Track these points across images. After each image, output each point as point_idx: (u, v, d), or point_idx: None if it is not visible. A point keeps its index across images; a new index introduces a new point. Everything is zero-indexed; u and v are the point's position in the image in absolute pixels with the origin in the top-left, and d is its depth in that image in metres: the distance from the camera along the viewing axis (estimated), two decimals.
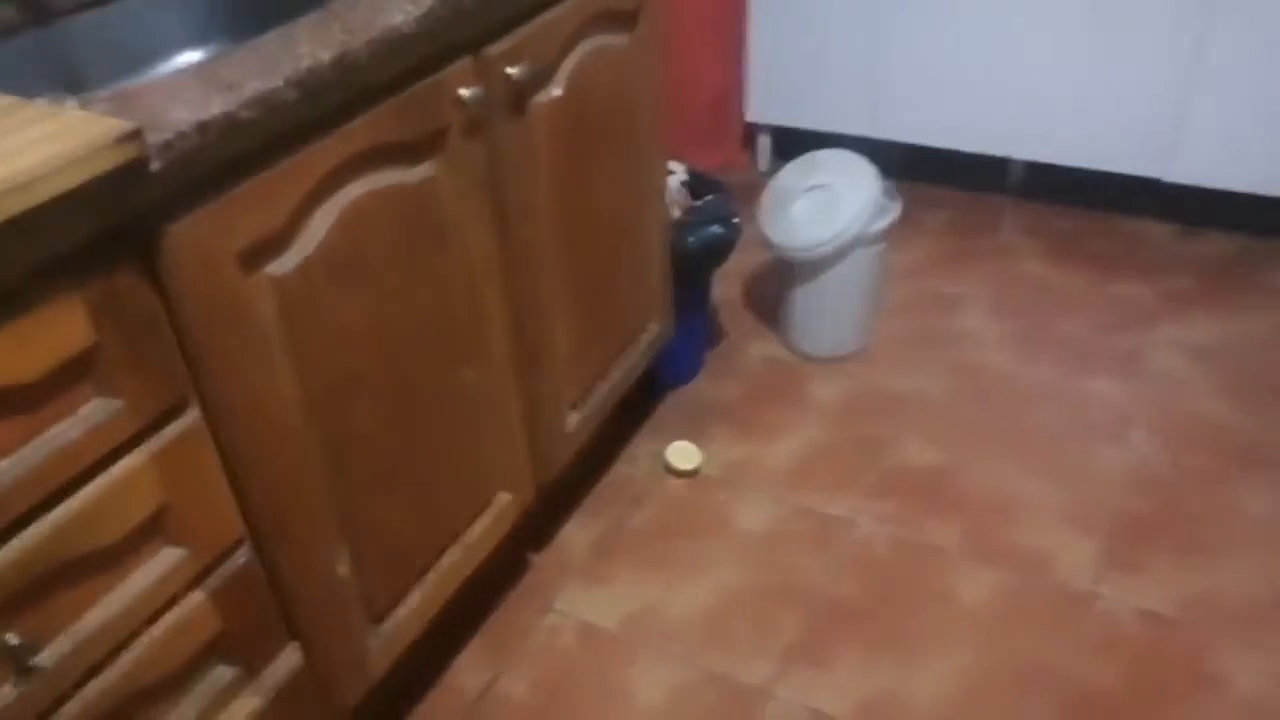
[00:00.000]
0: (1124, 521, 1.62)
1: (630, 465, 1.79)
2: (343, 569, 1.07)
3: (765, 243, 1.91)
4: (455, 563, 1.28)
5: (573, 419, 1.50)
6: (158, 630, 0.87)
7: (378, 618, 1.17)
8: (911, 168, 2.49)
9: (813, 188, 1.84)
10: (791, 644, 1.46)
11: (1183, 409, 1.84)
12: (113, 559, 0.83)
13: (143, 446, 0.82)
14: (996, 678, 1.40)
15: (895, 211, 1.87)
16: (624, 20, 1.38)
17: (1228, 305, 2.10)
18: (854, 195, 1.80)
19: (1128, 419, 1.83)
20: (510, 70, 1.15)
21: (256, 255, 0.89)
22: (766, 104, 2.57)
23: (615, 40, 1.36)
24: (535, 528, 1.64)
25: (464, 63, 1.10)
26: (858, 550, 1.60)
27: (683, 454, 1.76)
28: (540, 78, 1.22)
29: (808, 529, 1.65)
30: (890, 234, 1.89)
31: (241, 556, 0.94)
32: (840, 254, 1.82)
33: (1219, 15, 2.00)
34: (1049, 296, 2.17)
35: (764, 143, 2.67)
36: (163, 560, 0.86)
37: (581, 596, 1.55)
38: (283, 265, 0.92)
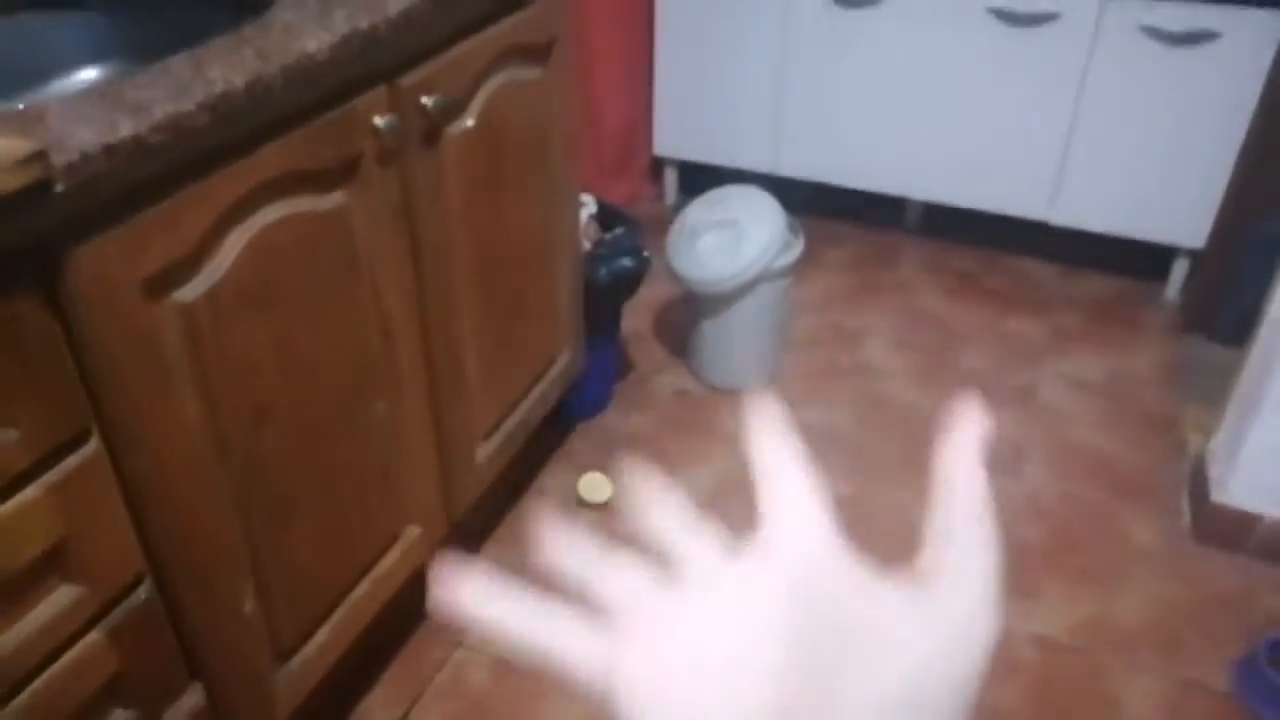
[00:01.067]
0: (1019, 550, 1.69)
1: (540, 497, 1.78)
2: (248, 605, 1.03)
3: (673, 276, 1.93)
4: (364, 597, 1.25)
5: (484, 451, 1.48)
6: (54, 672, 0.83)
7: (284, 656, 1.13)
8: (814, 204, 2.57)
9: (719, 223, 1.88)
10: None
11: (1070, 441, 1.93)
12: (5, 596, 0.78)
13: (40, 479, 0.79)
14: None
15: (799, 247, 1.92)
16: (536, 54, 1.39)
17: (1109, 342, 2.22)
18: (759, 231, 1.84)
19: (1021, 451, 1.91)
20: (424, 100, 1.15)
21: (163, 281, 0.86)
22: (673, 138, 2.62)
23: (528, 73, 1.38)
24: (446, 562, 1.61)
25: (378, 91, 1.09)
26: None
27: (594, 486, 1.76)
28: (453, 108, 1.22)
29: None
30: (795, 269, 1.94)
31: (142, 594, 0.90)
32: (746, 288, 1.86)
33: (1095, 72, 2.13)
34: (947, 331, 2.25)
35: (671, 176, 2.72)
36: (59, 598, 0.82)
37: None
38: (190, 292, 0.89)
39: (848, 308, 2.33)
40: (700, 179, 2.03)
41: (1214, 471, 1.70)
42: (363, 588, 1.26)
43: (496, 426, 1.52)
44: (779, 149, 2.48)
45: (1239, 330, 1.73)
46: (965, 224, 2.51)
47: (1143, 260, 2.38)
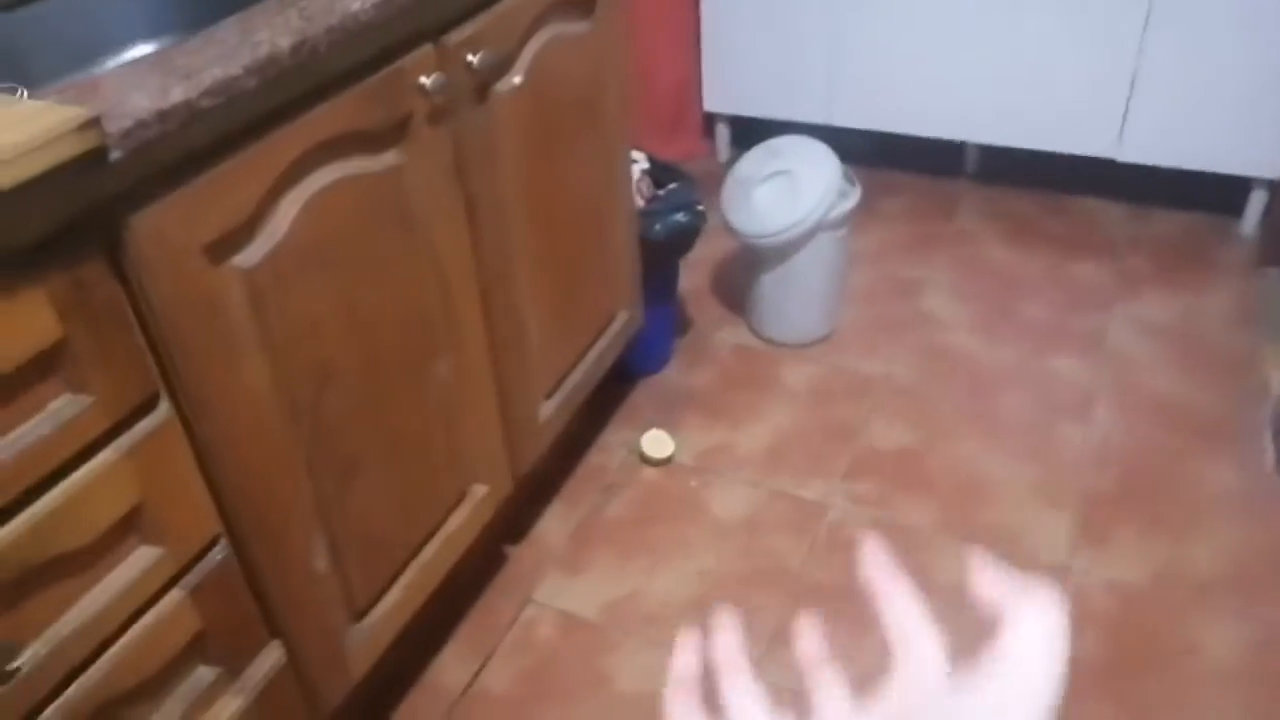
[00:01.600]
0: (1091, 497, 1.65)
1: (604, 455, 1.79)
2: (321, 564, 1.05)
3: (729, 230, 1.91)
4: (434, 556, 1.27)
5: (546, 409, 1.49)
6: (137, 631, 0.85)
7: (359, 614, 1.16)
8: (869, 154, 2.51)
9: (774, 174, 1.85)
10: (774, 630, 1.46)
11: (1142, 386, 1.88)
12: (88, 559, 0.81)
13: (115, 443, 0.80)
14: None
15: (856, 196, 1.88)
16: (582, 7, 1.37)
17: (1180, 283, 2.15)
18: (815, 181, 1.81)
19: (1090, 397, 1.86)
20: (471, 58, 1.14)
21: (223, 247, 0.87)
22: (723, 94, 2.58)
23: (575, 27, 1.36)
24: (512, 520, 1.63)
25: (425, 50, 1.09)
26: (833, 533, 1.61)
27: (656, 443, 1.76)
28: (501, 65, 1.21)
29: (783, 513, 1.65)
30: (852, 218, 1.91)
31: (219, 554, 0.92)
32: (803, 240, 1.83)
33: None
34: (1009, 279, 2.20)
35: (723, 132, 2.68)
36: (139, 559, 0.85)
37: (560, 587, 1.55)
38: (250, 256, 0.90)
39: (906, 258, 2.28)
40: (753, 133, 1.99)
41: None
42: (432, 547, 1.27)
43: (558, 384, 1.52)
44: (832, 99, 2.42)
45: None
46: (1025, 167, 2.44)
47: (1216, 194, 2.28)
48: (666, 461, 1.75)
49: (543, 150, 1.34)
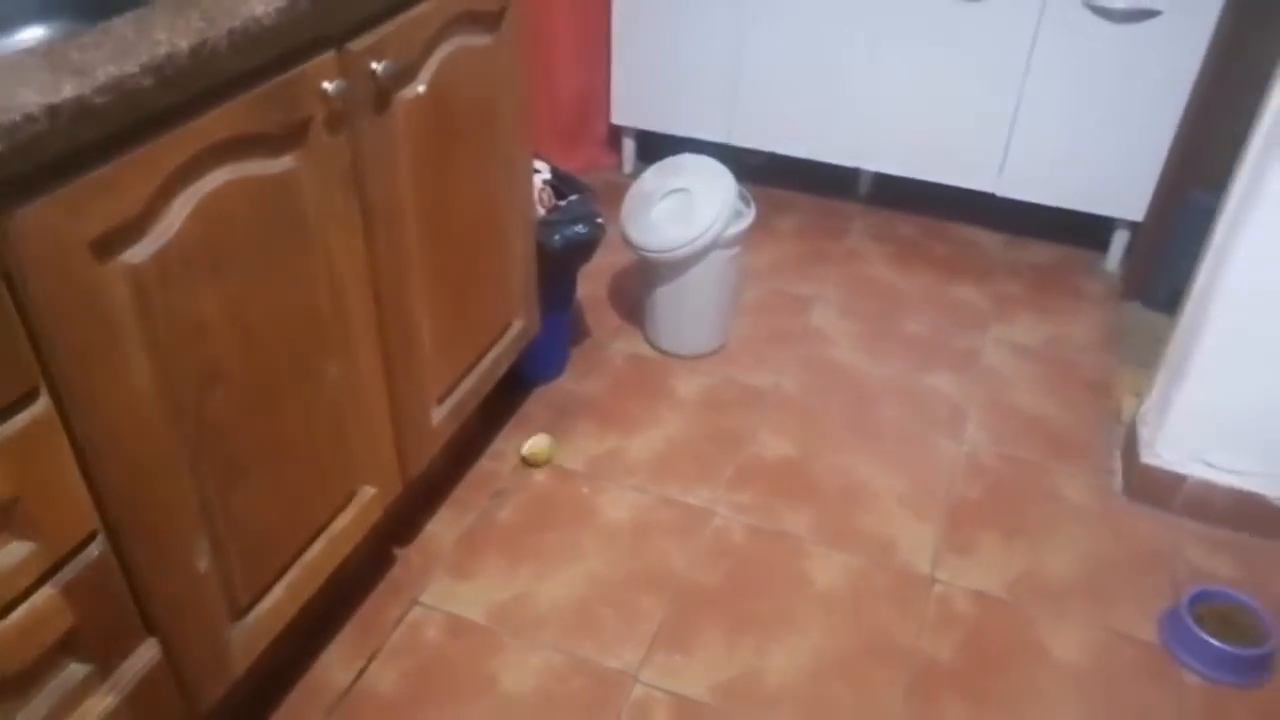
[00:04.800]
0: (958, 508, 1.75)
1: (497, 461, 1.81)
2: (203, 563, 1.05)
3: (628, 244, 1.96)
4: (319, 556, 1.28)
5: (438, 414, 1.51)
6: (7, 626, 0.84)
7: (240, 613, 1.16)
8: (768, 173, 2.60)
9: (673, 191, 1.90)
10: (657, 631, 1.51)
11: (1010, 404, 2.00)
12: None
13: None
14: (847, 654, 1.48)
15: (750, 217, 1.95)
16: (488, 20, 1.40)
17: (1048, 309, 2.29)
18: (710, 200, 1.87)
19: (963, 412, 1.97)
20: (374, 65, 1.16)
21: (110, 243, 0.87)
22: (630, 108, 2.63)
23: (479, 40, 1.39)
24: (402, 522, 1.64)
25: (327, 56, 1.10)
26: (717, 539, 1.67)
27: (537, 447, 1.79)
28: (404, 74, 1.23)
29: (670, 519, 1.70)
30: (746, 237, 1.98)
31: (95, 550, 0.92)
32: (697, 256, 1.89)
33: (1041, 47, 2.18)
34: (893, 298, 2.31)
35: (629, 146, 2.74)
36: (10, 554, 0.84)
37: (448, 589, 1.57)
38: (138, 254, 0.90)
39: (797, 275, 2.37)
40: (658, 147, 2.05)
41: (1144, 433, 1.77)
42: (318, 546, 1.28)
43: (450, 390, 1.54)
44: (733, 119, 2.50)
45: (1174, 299, 1.79)
46: (914, 194, 2.56)
47: (1084, 231, 2.44)
48: (546, 465, 1.78)
49: (442, 159, 1.36)
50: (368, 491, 1.37)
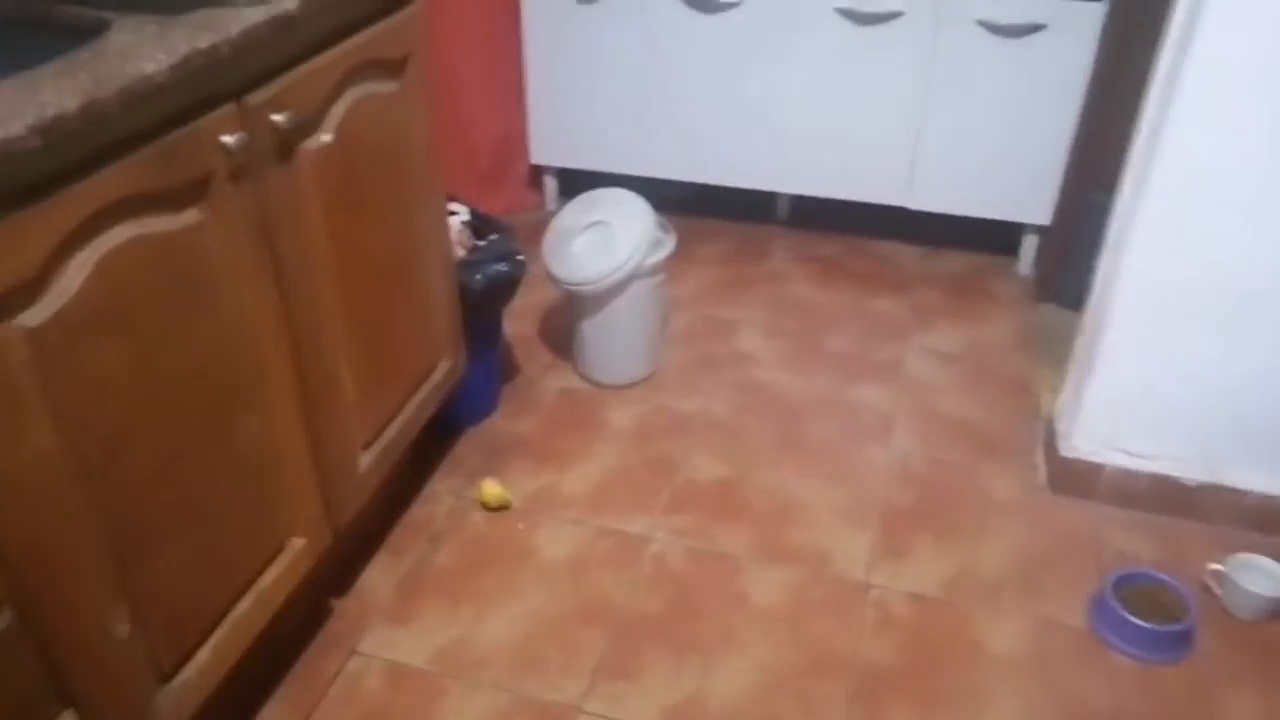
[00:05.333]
0: (891, 514, 1.78)
1: (431, 504, 1.81)
2: (121, 629, 1.04)
3: (551, 279, 1.98)
4: (248, 613, 1.26)
5: (365, 460, 1.50)
6: None
7: (165, 677, 1.14)
8: (688, 202, 2.65)
9: (592, 225, 1.93)
10: (600, 661, 1.51)
11: (935, 409, 2.05)
12: None
13: None
14: (790, 668, 1.50)
15: (670, 245, 1.99)
16: (391, 68, 1.42)
17: (966, 316, 2.36)
18: (629, 231, 1.90)
19: (890, 421, 2.01)
20: (275, 117, 1.17)
21: (5, 306, 0.87)
22: (549, 147, 2.67)
23: (384, 87, 1.40)
24: (337, 572, 1.62)
25: (226, 110, 1.11)
26: (656, 565, 1.68)
27: (492, 491, 1.78)
28: (308, 124, 1.24)
29: (608, 549, 1.71)
30: (667, 266, 2.01)
31: (1, 622, 0.90)
32: (620, 287, 1.92)
33: (939, 64, 2.26)
34: (817, 316, 2.35)
35: (550, 184, 2.77)
36: None
37: (387, 637, 1.55)
38: (35, 315, 0.90)
39: (722, 300, 2.41)
40: (580, 183, 2.08)
41: (1061, 427, 1.82)
42: (246, 603, 1.26)
43: (377, 436, 1.54)
44: (648, 152, 2.55)
45: (1083, 297, 1.86)
46: (831, 213, 2.62)
47: (996, 237, 2.52)
48: (504, 509, 1.78)
49: (353, 206, 1.37)
50: (296, 543, 1.35)
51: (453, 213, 1.80)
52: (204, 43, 1.04)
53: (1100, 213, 1.78)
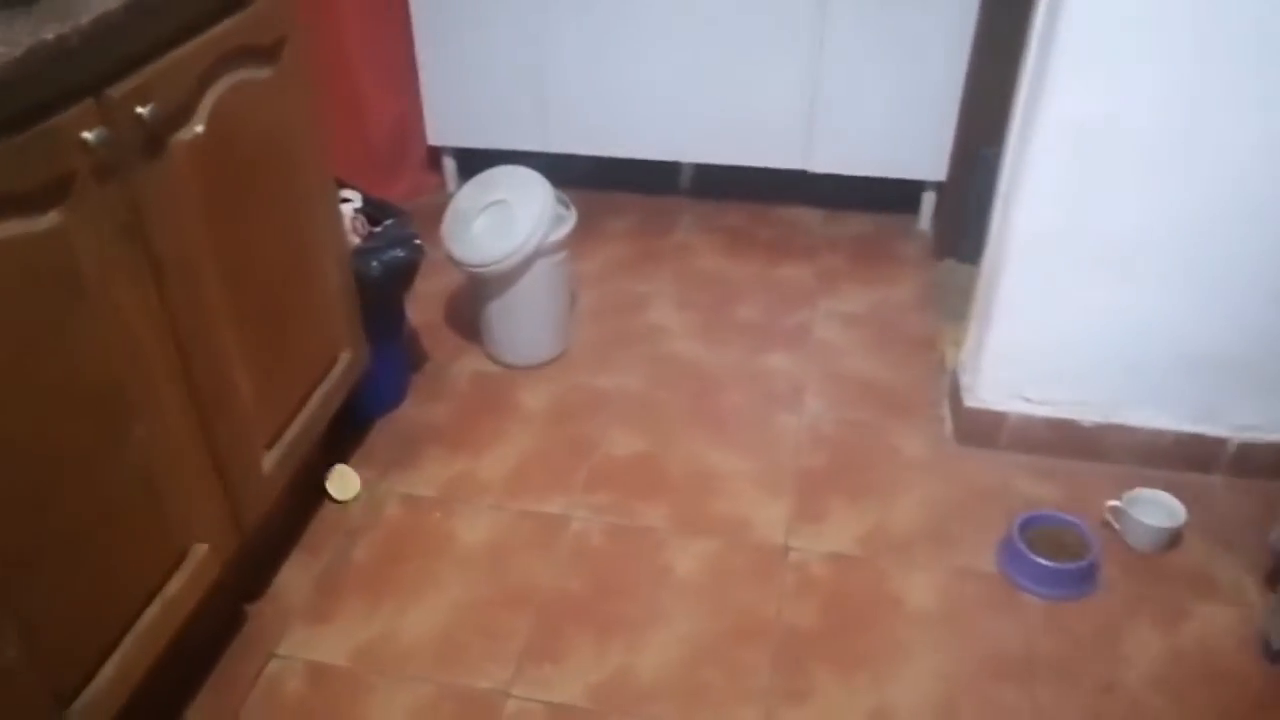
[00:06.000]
0: (805, 478, 1.81)
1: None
2: (10, 651, 0.99)
3: (452, 262, 1.95)
4: (154, 624, 1.22)
5: (269, 461, 1.46)
6: None
7: (66, 699, 1.09)
8: (591, 177, 2.63)
9: (490, 204, 1.90)
10: (525, 645, 1.50)
11: (844, 371, 2.08)
12: None
13: None
14: (715, 637, 1.51)
15: (571, 221, 1.97)
16: (265, 53, 1.37)
17: (870, 277, 2.40)
18: (529, 209, 1.88)
19: (801, 387, 2.03)
20: (140, 110, 1.11)
21: None
22: (445, 128, 2.62)
23: (258, 74, 1.35)
24: (251, 576, 1.58)
25: (85, 104, 1.05)
26: (577, 544, 1.68)
27: (342, 480, 1.76)
28: (177, 116, 1.19)
29: (528, 532, 1.70)
30: (573, 242, 2.00)
31: None
32: (523, 266, 1.90)
33: (830, 27, 2.28)
34: (726, 286, 2.37)
35: (450, 165, 2.72)
36: None
37: (307, 637, 1.52)
38: None
39: (631, 274, 2.41)
40: (480, 164, 2.05)
41: (965, 380, 1.87)
42: (150, 614, 1.22)
43: (279, 435, 1.50)
44: (547, 127, 2.52)
45: (981, 251, 1.90)
46: (735, 182, 2.63)
47: (896, 197, 2.57)
48: (354, 501, 1.75)
49: (236, 199, 1.32)
50: (200, 549, 1.31)
51: (344, 200, 1.76)
52: (50, 34, 0.98)
53: (992, 167, 1.82)
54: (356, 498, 1.75)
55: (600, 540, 1.69)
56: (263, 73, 1.37)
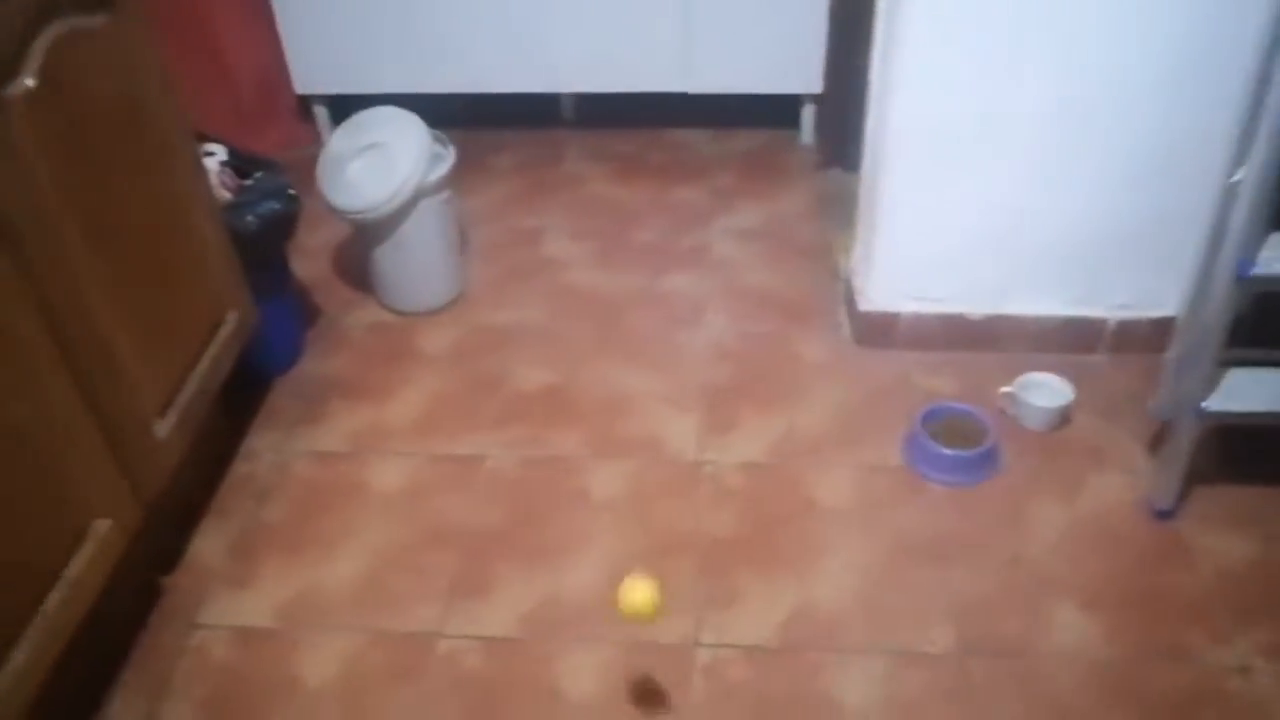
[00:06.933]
0: (713, 393, 1.83)
1: (251, 462, 1.73)
2: None
3: (332, 210, 1.89)
4: (61, 606, 1.17)
5: (163, 428, 1.41)
6: None
7: None
8: (471, 115, 2.57)
9: (365, 148, 1.85)
10: (451, 583, 1.50)
11: (743, 287, 2.10)
12: None
13: None
14: (638, 554, 1.53)
15: (450, 159, 1.93)
16: (95, 1, 1.28)
17: (761, 193, 2.42)
18: (406, 149, 1.83)
19: (702, 305, 2.05)
20: None
21: None
22: (312, 75, 2.52)
23: (89, 21, 1.26)
24: (163, 548, 1.54)
25: None
26: (493, 480, 1.68)
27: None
28: (2, 69, 1.11)
29: (443, 474, 1.69)
30: (460, 182, 1.96)
31: None
32: (406, 209, 1.85)
33: None
34: (620, 212, 2.36)
35: (322, 114, 2.62)
36: None
37: (228, 603, 1.49)
38: None
39: (522, 209, 2.38)
40: (353, 110, 1.98)
41: (858, 284, 1.91)
42: (55, 597, 1.17)
43: (171, 401, 1.44)
44: (418, 67, 2.45)
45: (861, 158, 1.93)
46: (620, 109, 2.61)
47: (779, 112, 2.58)
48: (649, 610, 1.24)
49: (87, 156, 1.25)
50: (101, 526, 1.26)
51: (208, 154, 1.68)
52: None
53: (865, 74, 1.84)
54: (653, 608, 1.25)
55: (517, 473, 1.69)
56: (95, 20, 1.28)
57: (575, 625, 1.44)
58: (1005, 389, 1.75)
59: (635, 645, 1.40)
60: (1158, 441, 1.66)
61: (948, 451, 1.62)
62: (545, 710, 1.33)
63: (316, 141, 2.61)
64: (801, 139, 2.59)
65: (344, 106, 2.52)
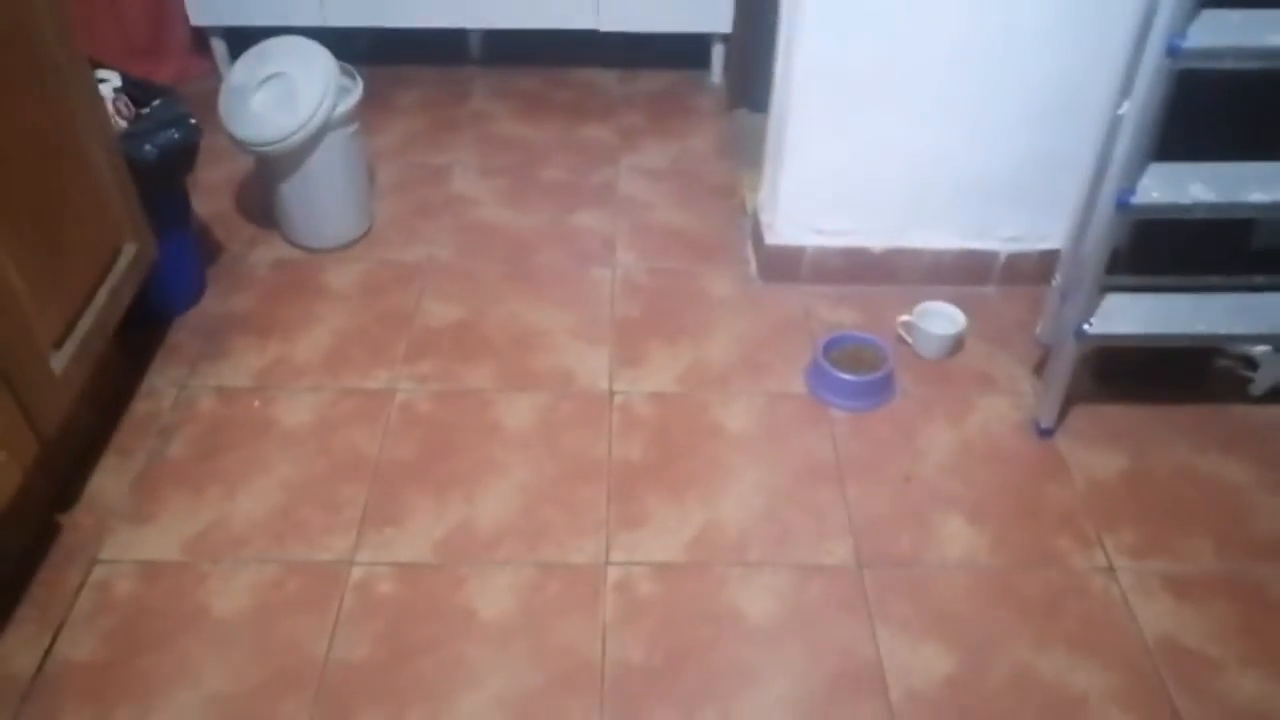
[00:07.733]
0: (623, 327, 1.86)
1: (153, 400, 1.69)
2: None
3: (235, 143, 1.84)
4: None
5: (59, 361, 1.37)
6: None
7: None
8: (375, 52, 2.53)
9: (268, 78, 1.80)
10: (363, 514, 1.51)
11: (651, 224, 2.13)
12: None
13: None
14: (550, 481, 1.56)
15: (358, 91, 1.89)
16: None
17: (669, 132, 2.44)
18: (311, 80, 1.79)
19: (610, 241, 2.07)
20: None
21: None
22: (208, 5, 2.43)
23: None
24: (63, 485, 1.50)
25: None
26: (404, 413, 1.68)
27: None
28: None
29: (353, 408, 1.69)
30: (365, 119, 1.92)
31: None
32: (314, 141, 1.82)
33: None
34: (527, 150, 2.35)
35: (219, 47, 2.53)
36: None
37: (131, 539, 1.47)
38: None
39: (430, 146, 2.35)
40: (252, 43, 1.91)
41: (764, 220, 1.96)
42: None
43: (68, 333, 1.40)
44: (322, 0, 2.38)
45: (769, 98, 1.97)
46: (527, 47, 2.59)
47: (688, 52, 2.60)
48: None
49: None
50: None
51: (101, 80, 1.62)
52: None
53: (773, 15, 1.87)
54: None
55: (427, 407, 1.69)
56: None
57: (490, 549, 1.46)
58: (903, 318, 1.82)
59: (547, 566, 1.43)
60: (1042, 366, 1.76)
61: (848, 377, 1.69)
62: (460, 629, 1.36)
63: (213, 75, 2.53)
64: (710, 79, 2.61)
65: (243, 39, 2.44)
